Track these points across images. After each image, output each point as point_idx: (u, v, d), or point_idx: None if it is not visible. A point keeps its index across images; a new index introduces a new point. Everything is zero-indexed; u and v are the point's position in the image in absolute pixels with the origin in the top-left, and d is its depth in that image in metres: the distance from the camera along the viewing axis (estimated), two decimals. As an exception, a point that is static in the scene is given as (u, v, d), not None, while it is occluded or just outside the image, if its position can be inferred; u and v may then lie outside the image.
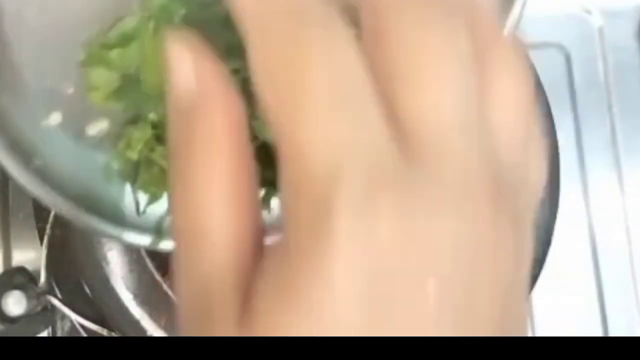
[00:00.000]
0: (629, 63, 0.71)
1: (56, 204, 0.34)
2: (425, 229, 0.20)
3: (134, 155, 0.33)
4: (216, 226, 0.21)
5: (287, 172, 0.20)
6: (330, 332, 0.20)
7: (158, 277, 0.47)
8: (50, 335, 0.59)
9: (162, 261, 0.53)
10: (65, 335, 0.59)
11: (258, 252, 0.21)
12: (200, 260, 0.21)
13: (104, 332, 0.51)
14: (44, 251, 0.53)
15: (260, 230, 0.22)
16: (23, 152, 0.33)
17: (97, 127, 0.34)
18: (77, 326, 0.54)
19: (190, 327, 0.22)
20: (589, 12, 0.72)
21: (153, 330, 0.46)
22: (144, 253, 0.47)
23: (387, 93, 0.20)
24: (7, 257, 0.62)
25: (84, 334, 0.54)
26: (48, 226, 0.53)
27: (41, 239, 0.54)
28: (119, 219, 0.34)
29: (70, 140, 0.34)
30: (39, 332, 0.55)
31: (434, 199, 0.20)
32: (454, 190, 0.20)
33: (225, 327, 0.21)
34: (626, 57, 0.71)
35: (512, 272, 0.22)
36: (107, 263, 0.47)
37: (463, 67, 0.20)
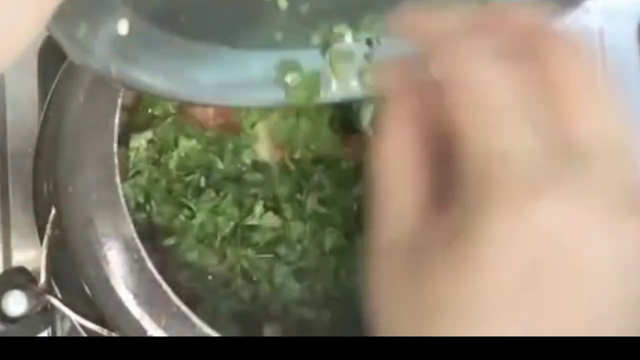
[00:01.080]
0: (629, 63, 0.71)
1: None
2: (581, 224, 0.24)
3: None
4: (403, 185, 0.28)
5: (477, 169, 0.25)
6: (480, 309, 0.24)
7: (158, 277, 0.47)
8: (50, 335, 0.58)
9: (162, 261, 0.53)
10: (65, 335, 0.59)
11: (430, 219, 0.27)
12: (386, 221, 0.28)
13: (104, 332, 0.50)
14: (44, 251, 0.53)
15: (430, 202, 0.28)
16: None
17: None
18: (77, 326, 0.54)
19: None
20: (589, 12, 0.71)
21: (153, 330, 0.46)
22: (144, 253, 0.47)
23: (555, 117, 0.25)
24: (7, 257, 0.62)
25: (84, 334, 0.54)
26: (48, 226, 0.53)
27: (41, 239, 0.54)
28: None
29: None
30: (39, 332, 0.55)
31: (590, 196, 0.24)
32: (609, 192, 0.24)
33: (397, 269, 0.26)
34: (626, 57, 0.71)
35: None
36: (107, 263, 0.47)
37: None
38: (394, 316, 0.26)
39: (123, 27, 0.35)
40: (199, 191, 0.55)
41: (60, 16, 0.31)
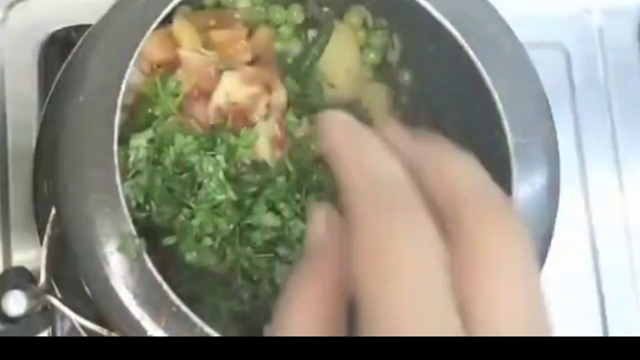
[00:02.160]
0: (629, 63, 0.71)
1: None
2: None
3: None
4: None
5: (371, 327, 0.23)
6: None
7: (158, 277, 0.47)
8: (50, 335, 0.59)
9: (162, 261, 0.53)
10: (65, 335, 0.59)
11: None
12: None
13: (104, 332, 0.50)
14: (44, 251, 0.53)
15: None
16: None
17: None
18: (77, 326, 0.54)
19: None
20: (589, 12, 0.71)
21: (153, 330, 0.46)
22: (144, 253, 0.47)
23: (461, 292, 0.24)
24: (7, 257, 0.62)
25: (84, 334, 0.54)
26: (48, 226, 0.53)
27: (41, 239, 0.54)
28: None
29: None
30: (39, 332, 0.55)
31: None
32: None
33: None
34: (626, 57, 0.71)
35: None
36: (107, 263, 0.47)
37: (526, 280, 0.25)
38: None
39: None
40: (197, 187, 0.54)
41: None
